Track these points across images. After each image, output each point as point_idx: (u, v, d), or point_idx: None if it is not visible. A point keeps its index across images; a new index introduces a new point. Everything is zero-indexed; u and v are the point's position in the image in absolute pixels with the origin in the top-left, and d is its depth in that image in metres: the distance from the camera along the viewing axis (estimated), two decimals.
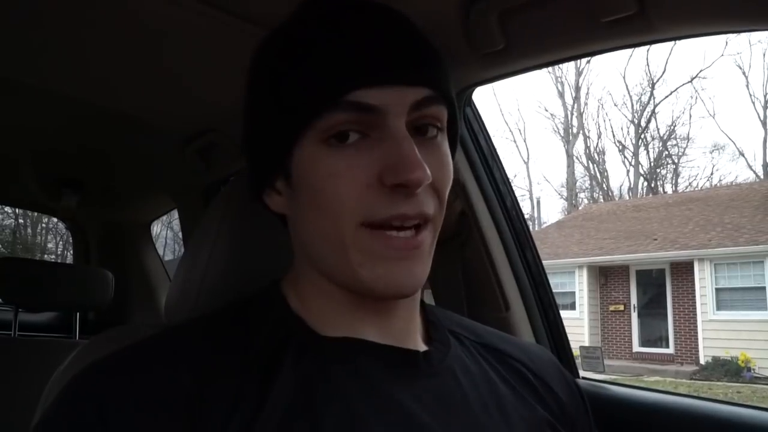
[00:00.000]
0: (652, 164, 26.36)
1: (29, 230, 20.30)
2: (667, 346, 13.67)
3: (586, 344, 12.21)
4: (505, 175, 1.36)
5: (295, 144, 0.62)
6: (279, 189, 0.68)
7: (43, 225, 19.99)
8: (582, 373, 1.39)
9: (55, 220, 16.12)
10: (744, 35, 23.61)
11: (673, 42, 1.01)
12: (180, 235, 2.63)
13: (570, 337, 1.37)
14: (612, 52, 1.02)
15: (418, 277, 0.63)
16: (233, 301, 0.72)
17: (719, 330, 12.33)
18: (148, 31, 1.22)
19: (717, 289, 12.75)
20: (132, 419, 0.56)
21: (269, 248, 0.84)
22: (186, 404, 0.57)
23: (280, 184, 0.67)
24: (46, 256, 19.79)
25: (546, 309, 1.33)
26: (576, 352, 1.33)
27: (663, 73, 29.62)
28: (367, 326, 0.68)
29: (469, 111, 1.30)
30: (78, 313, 2.42)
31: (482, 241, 1.27)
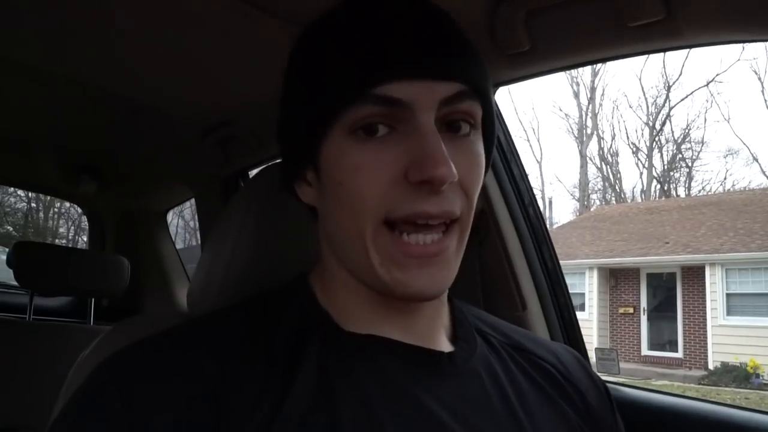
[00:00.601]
0: (665, 167, 26.18)
1: (41, 214, 20.40)
2: (676, 350, 13.60)
3: (596, 346, 12.18)
4: (524, 172, 1.36)
5: (324, 136, 0.62)
6: (310, 181, 0.68)
7: (56, 210, 20.07)
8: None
9: (68, 204, 16.22)
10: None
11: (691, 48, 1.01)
12: (191, 224, 2.63)
13: None
14: (638, 56, 1.02)
15: (440, 283, 0.62)
16: (261, 292, 0.72)
17: (729, 335, 12.26)
18: (173, 21, 1.23)
19: (728, 294, 12.67)
20: (158, 407, 0.56)
21: (293, 241, 0.85)
22: (211, 394, 0.57)
23: (311, 175, 0.67)
24: (57, 240, 19.89)
25: (562, 309, 1.33)
26: (591, 354, 1.33)
27: (679, 76, 29.43)
28: (391, 324, 0.67)
29: None
30: (93, 299, 2.45)
31: (500, 240, 1.27)
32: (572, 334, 1.34)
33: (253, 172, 2.26)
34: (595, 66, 25.37)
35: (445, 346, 0.70)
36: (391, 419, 0.59)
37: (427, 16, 0.63)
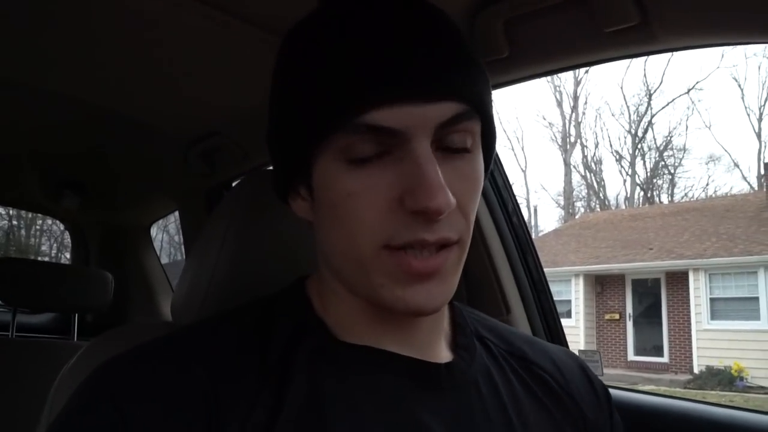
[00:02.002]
0: (648, 174, 26.42)
1: (23, 232, 20.19)
2: (662, 355, 13.68)
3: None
4: (507, 181, 1.37)
5: (314, 158, 0.59)
6: (303, 195, 0.64)
7: (38, 227, 19.87)
8: None
9: (50, 221, 16.05)
10: (740, 48, 23.72)
11: (671, 53, 1.03)
12: (176, 238, 2.62)
13: None
14: (614, 61, 1.03)
15: (439, 298, 0.60)
16: (255, 300, 0.70)
17: (713, 339, 12.35)
18: (154, 32, 1.22)
19: (711, 299, 12.79)
20: (151, 416, 0.55)
21: (277, 249, 0.84)
22: (203, 402, 0.56)
23: (304, 191, 0.64)
24: (39, 258, 19.68)
25: (546, 313, 1.34)
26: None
27: (660, 84, 29.63)
28: (389, 336, 0.65)
29: None
30: (77, 315, 2.42)
31: (484, 245, 1.28)
32: (556, 338, 1.35)
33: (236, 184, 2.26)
34: (577, 75, 25.65)
35: (444, 355, 0.68)
36: None
37: (418, 25, 0.57)
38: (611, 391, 1.22)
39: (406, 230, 0.56)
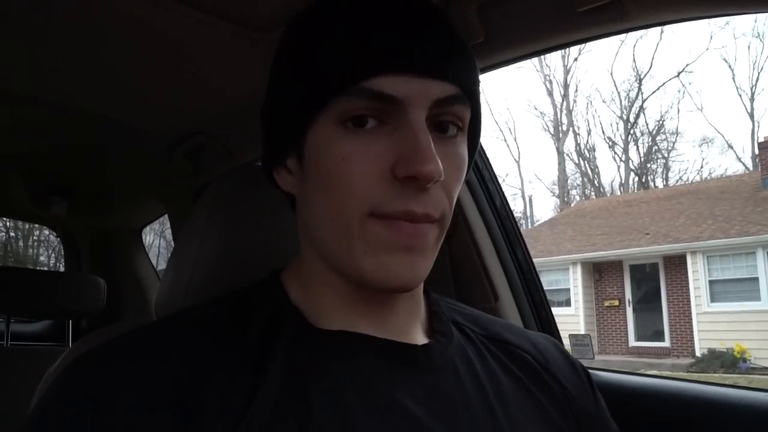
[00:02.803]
0: (642, 159, 26.52)
1: (20, 243, 20.20)
2: (663, 340, 13.73)
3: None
4: (493, 173, 1.38)
5: (310, 124, 0.61)
6: (290, 168, 0.67)
7: (35, 237, 19.89)
8: None
9: (47, 232, 16.05)
10: (729, 29, 23.75)
11: (658, 36, 1.04)
12: (173, 244, 2.61)
13: (566, 333, 1.38)
14: (590, 41, 1.03)
15: (420, 270, 0.62)
16: (231, 291, 0.71)
17: (714, 322, 12.40)
18: (135, 33, 1.21)
19: (710, 281, 12.83)
20: (125, 406, 0.55)
21: (258, 242, 0.85)
22: (178, 393, 0.56)
23: (292, 162, 0.66)
24: (38, 268, 19.68)
25: (536, 301, 1.35)
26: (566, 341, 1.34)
27: (650, 68, 29.85)
28: (366, 320, 0.66)
29: None
30: (71, 321, 2.42)
31: (469, 233, 1.28)
32: (547, 325, 1.35)
33: None
34: (567, 63, 25.66)
35: (421, 339, 0.69)
36: (364, 417, 0.59)
37: (424, 11, 0.62)
38: (596, 372, 1.23)
39: (394, 199, 0.58)
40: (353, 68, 0.58)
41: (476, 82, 0.64)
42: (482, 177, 1.36)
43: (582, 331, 13.89)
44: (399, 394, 0.61)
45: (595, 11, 0.90)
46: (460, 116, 0.62)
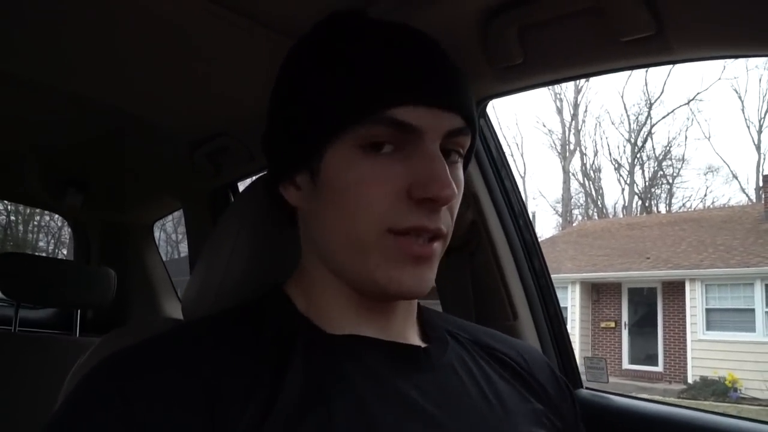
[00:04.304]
0: (647, 183, 26.46)
1: (20, 227, 20.14)
2: (657, 364, 13.68)
3: (584, 356, 12.21)
4: (515, 184, 1.38)
5: (329, 145, 0.65)
6: (299, 184, 0.71)
7: (35, 222, 19.83)
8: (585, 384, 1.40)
9: (48, 217, 16.03)
10: (741, 61, 23.77)
11: (683, 64, 1.03)
12: (173, 237, 2.61)
13: None
14: (627, 70, 1.04)
15: (428, 282, 0.67)
16: (239, 304, 0.75)
17: (708, 350, 12.36)
18: (163, 31, 1.22)
19: (707, 309, 12.79)
20: (156, 407, 0.57)
21: (288, 251, 0.85)
22: (206, 396, 0.58)
23: (302, 179, 0.70)
24: (37, 253, 19.64)
25: (552, 318, 1.35)
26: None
27: (661, 93, 29.81)
28: (369, 325, 0.71)
29: (483, 122, 1.32)
30: (79, 311, 2.42)
31: (492, 251, 1.29)
32: (561, 344, 1.35)
33: (242, 184, 2.26)
34: (578, 82, 25.68)
35: (418, 343, 0.75)
36: (381, 411, 0.63)
37: (433, 47, 0.69)
38: (609, 396, 1.24)
39: (409, 216, 0.64)
40: (377, 98, 0.63)
41: (475, 112, 0.70)
42: (505, 189, 1.36)
43: (577, 351, 13.85)
44: (408, 388, 0.66)
45: (637, 42, 0.91)
46: (463, 145, 0.70)
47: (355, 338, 0.69)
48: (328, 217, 0.68)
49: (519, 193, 1.39)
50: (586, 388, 1.30)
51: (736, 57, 0.89)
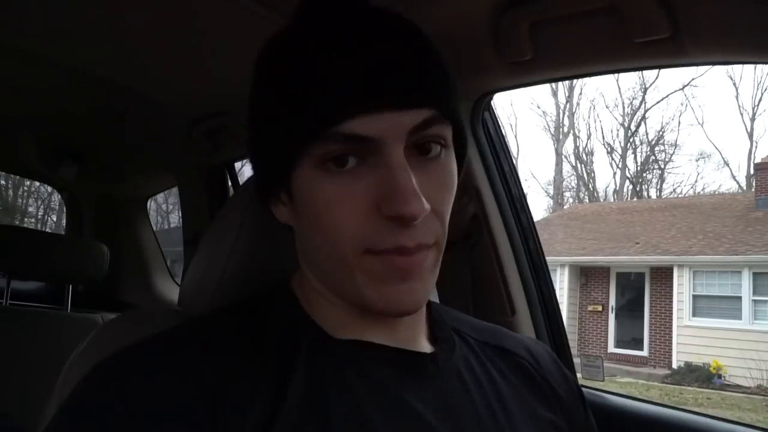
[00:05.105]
0: (638, 168, 26.53)
1: (10, 192, 20.02)
2: (642, 349, 13.82)
3: (581, 352, 12.31)
4: (518, 178, 1.37)
5: (293, 166, 0.62)
6: (284, 201, 0.67)
7: (25, 188, 19.72)
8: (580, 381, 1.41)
9: (38, 183, 15.93)
10: None
11: (697, 66, 1.02)
12: (163, 207, 2.58)
13: None
14: (638, 71, 1.03)
15: (419, 296, 0.63)
16: (245, 299, 0.73)
17: (694, 336, 12.48)
18: (165, 6, 1.20)
19: (694, 296, 12.89)
20: (157, 411, 0.56)
21: (291, 244, 0.85)
22: (208, 398, 0.57)
23: (284, 197, 0.67)
24: (26, 219, 19.59)
25: (549, 314, 1.35)
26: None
27: (656, 78, 29.64)
28: (374, 331, 0.68)
29: (488, 115, 1.31)
30: (70, 285, 2.41)
31: (493, 246, 1.28)
32: (558, 339, 1.35)
33: (238, 164, 2.25)
34: None
35: (426, 347, 0.72)
36: (381, 422, 0.61)
37: (389, 37, 0.61)
38: (606, 395, 1.25)
39: (386, 236, 0.59)
40: (325, 114, 0.58)
41: (453, 99, 0.63)
42: (507, 183, 1.35)
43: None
44: (410, 398, 0.64)
45: (652, 44, 0.90)
46: (441, 135, 0.62)
47: (360, 344, 0.67)
48: (311, 238, 0.65)
49: (521, 186, 1.38)
50: (582, 386, 1.30)
51: (751, 63, 0.88)
